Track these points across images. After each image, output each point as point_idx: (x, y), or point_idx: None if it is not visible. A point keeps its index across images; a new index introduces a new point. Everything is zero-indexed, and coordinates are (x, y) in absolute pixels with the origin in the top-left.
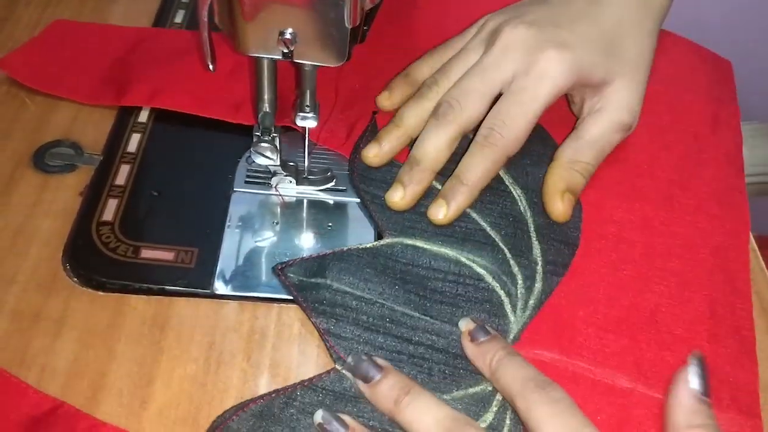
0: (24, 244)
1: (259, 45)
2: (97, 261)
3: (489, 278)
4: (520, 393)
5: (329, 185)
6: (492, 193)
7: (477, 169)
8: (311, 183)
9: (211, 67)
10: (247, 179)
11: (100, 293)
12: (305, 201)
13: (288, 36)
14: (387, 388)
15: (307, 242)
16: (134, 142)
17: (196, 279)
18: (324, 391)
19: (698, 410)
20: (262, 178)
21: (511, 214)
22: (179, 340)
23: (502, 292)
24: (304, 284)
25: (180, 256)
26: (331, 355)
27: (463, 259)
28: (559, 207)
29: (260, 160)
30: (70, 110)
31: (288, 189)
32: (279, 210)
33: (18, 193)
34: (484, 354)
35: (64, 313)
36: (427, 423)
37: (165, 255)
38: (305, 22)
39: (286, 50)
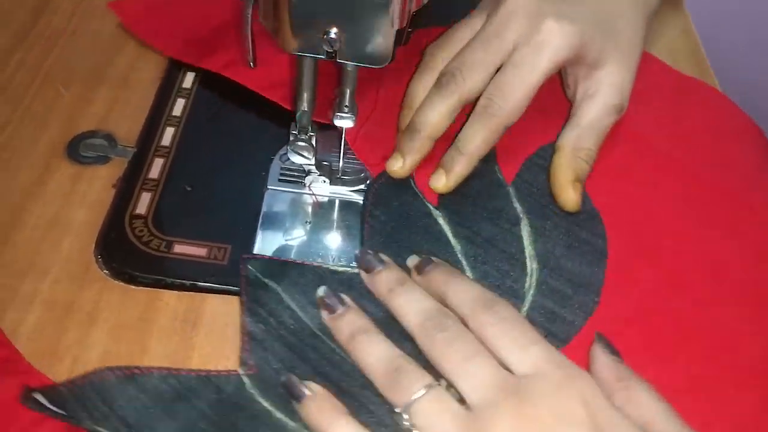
0: (58, 235)
1: (302, 44)
2: (129, 254)
3: None
4: (470, 315)
5: (362, 186)
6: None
7: (476, 138)
8: (344, 183)
9: (251, 64)
10: (281, 177)
11: (132, 287)
12: (337, 201)
13: (333, 36)
14: (385, 277)
15: (336, 242)
16: (168, 135)
17: (228, 276)
18: (214, 388)
19: (621, 368)
20: (296, 176)
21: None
22: (210, 337)
23: None
24: (256, 281)
25: (213, 253)
26: (240, 358)
27: None
28: (571, 196)
29: (296, 159)
30: (105, 101)
31: (321, 188)
32: (311, 209)
33: (52, 183)
34: (429, 281)
35: (97, 305)
36: (414, 309)
37: (198, 251)
38: (351, 22)
39: (330, 50)
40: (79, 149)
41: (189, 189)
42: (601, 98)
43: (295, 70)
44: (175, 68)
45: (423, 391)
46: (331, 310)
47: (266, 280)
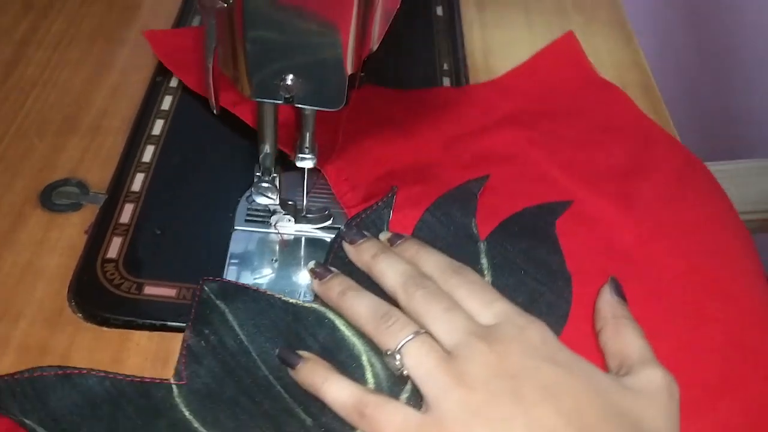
0: (31, 281)
1: (261, 90)
2: (101, 297)
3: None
4: (441, 279)
5: (326, 224)
6: None
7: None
8: (309, 221)
9: (215, 111)
10: (248, 218)
11: (105, 329)
12: (303, 239)
13: (289, 82)
14: (367, 246)
15: (304, 279)
16: (138, 181)
17: None
18: (144, 393)
19: (618, 305)
20: (262, 216)
21: None
22: None
23: None
24: (207, 300)
25: (182, 293)
26: (175, 368)
27: (365, 362)
28: None
29: (260, 200)
30: (77, 149)
31: (287, 227)
32: (278, 248)
33: (26, 231)
34: (402, 252)
35: (70, 348)
36: (396, 271)
37: (168, 291)
38: (305, 69)
39: (287, 95)
40: (52, 197)
41: (159, 232)
42: None
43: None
44: (145, 116)
45: (411, 336)
46: (321, 277)
47: (217, 301)
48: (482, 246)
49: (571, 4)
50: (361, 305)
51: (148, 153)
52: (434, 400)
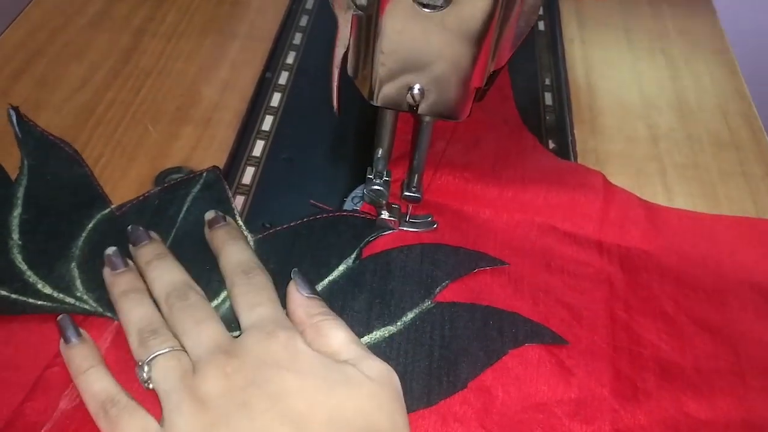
0: None
1: (387, 97)
2: None
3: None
4: (228, 278)
5: (432, 228)
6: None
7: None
8: (413, 226)
9: (337, 114)
10: None
11: None
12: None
13: (416, 92)
14: (146, 250)
15: None
16: (249, 174)
17: None
18: None
19: (313, 304)
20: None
21: None
22: None
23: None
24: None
25: None
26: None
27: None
28: None
29: (369, 200)
30: (189, 140)
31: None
32: None
33: None
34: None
35: None
36: (164, 281)
37: None
38: (434, 80)
39: (413, 104)
40: (166, 183)
41: (268, 226)
42: None
43: (376, 119)
44: (255, 111)
45: (166, 350)
46: (114, 267)
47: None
48: (426, 304)
49: (673, 28)
50: (135, 313)
51: (258, 147)
52: (169, 416)
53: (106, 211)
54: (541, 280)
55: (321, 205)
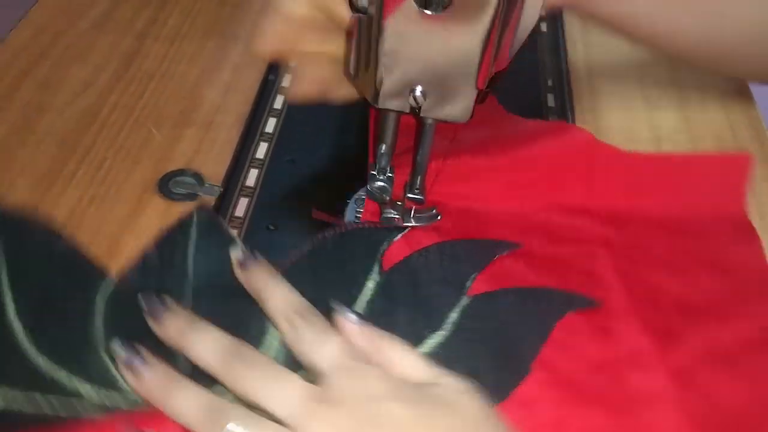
0: None
1: (390, 99)
2: None
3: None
4: (285, 323)
5: (437, 220)
6: None
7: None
8: (418, 221)
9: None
10: (356, 220)
11: None
12: None
13: (418, 93)
14: (173, 322)
15: None
16: (252, 176)
17: None
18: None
19: (368, 330)
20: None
21: None
22: None
23: None
24: (188, 224)
25: None
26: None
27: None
28: None
29: (374, 197)
30: (192, 142)
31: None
32: None
33: (145, 217)
34: (249, 279)
35: None
36: (211, 348)
37: None
38: (437, 83)
39: (415, 105)
40: (170, 186)
41: (272, 228)
42: None
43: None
44: (258, 113)
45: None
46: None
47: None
48: (464, 300)
49: None
50: (186, 399)
51: (262, 150)
52: None
53: (109, 282)
54: (550, 252)
55: (325, 217)
